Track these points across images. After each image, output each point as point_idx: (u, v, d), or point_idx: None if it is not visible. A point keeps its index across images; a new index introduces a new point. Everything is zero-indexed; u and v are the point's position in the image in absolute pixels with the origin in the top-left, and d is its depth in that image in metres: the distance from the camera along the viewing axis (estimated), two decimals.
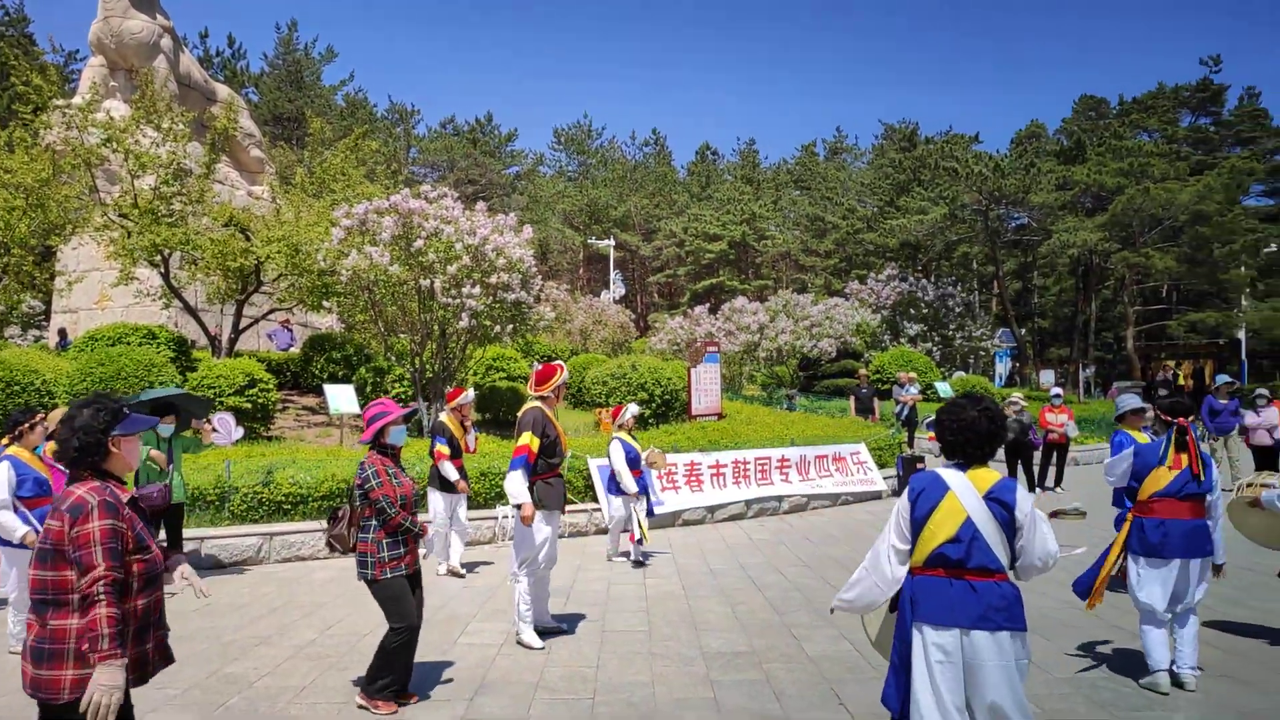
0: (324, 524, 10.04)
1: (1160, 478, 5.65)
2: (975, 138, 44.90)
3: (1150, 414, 8.08)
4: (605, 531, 11.44)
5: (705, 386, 18.08)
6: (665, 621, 7.10)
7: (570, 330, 33.53)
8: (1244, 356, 39.20)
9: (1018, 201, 33.84)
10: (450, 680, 5.63)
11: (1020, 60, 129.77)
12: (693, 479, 13.22)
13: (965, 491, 3.58)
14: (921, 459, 15.67)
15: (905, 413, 18.61)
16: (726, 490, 13.38)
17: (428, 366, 15.77)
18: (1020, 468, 14.97)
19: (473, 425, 9.72)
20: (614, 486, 9.78)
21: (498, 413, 17.60)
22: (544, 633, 6.58)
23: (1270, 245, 38.81)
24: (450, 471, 8.89)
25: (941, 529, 3.56)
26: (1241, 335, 38.36)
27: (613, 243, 48.66)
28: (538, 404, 6.55)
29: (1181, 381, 35.79)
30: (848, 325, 29.71)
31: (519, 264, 15.13)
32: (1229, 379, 16.21)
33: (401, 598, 5.18)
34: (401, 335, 15.99)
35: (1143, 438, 8.11)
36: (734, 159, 70.00)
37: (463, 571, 9.11)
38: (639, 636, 6.64)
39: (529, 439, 6.32)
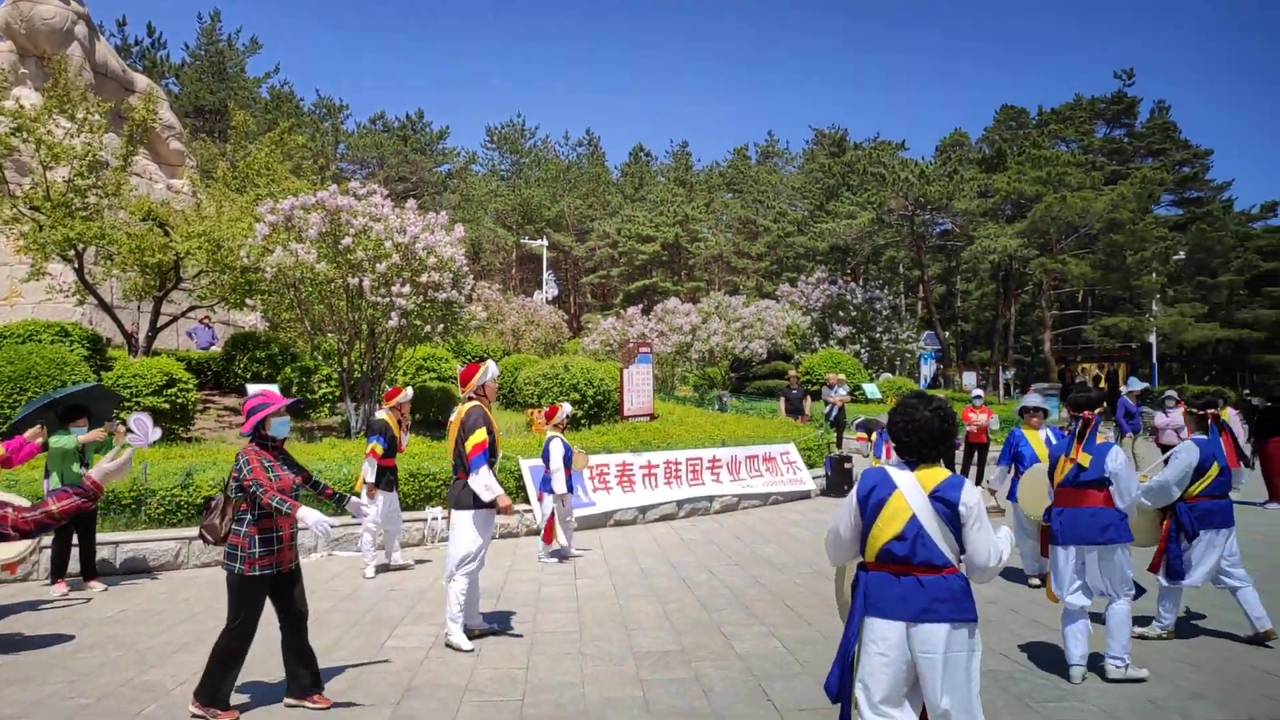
0: None
1: (1062, 468, 5.89)
2: (902, 144, 45.81)
3: (1046, 414, 8.47)
4: (537, 533, 11.42)
5: (637, 387, 18.13)
6: (596, 621, 7.10)
7: (503, 330, 33.27)
8: (1154, 360, 40.88)
9: (942, 208, 34.65)
10: (377, 684, 5.53)
11: (945, 69, 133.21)
12: (624, 479, 13.25)
13: (912, 490, 3.68)
14: (849, 459, 15.96)
15: (834, 414, 18.91)
16: (658, 490, 13.44)
17: (356, 366, 15.48)
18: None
19: (408, 425, 9.79)
20: (548, 485, 9.82)
21: (428, 413, 17.36)
22: (475, 634, 6.54)
23: (1179, 253, 40.53)
24: (369, 472, 8.93)
25: (889, 527, 3.67)
26: (1152, 339, 39.99)
27: (546, 243, 48.46)
28: (476, 403, 6.58)
29: (1100, 385, 37.14)
30: (778, 327, 30.08)
31: (450, 263, 14.96)
32: (1141, 383, 16.97)
33: (258, 601, 5.07)
34: (329, 334, 15.67)
35: (1036, 435, 8.49)
36: (667, 161, 70.34)
37: (410, 563, 9.42)
38: (569, 637, 6.62)
39: (483, 435, 6.33)
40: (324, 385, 16.49)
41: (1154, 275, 38.14)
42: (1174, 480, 6.28)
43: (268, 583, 5.08)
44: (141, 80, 24.39)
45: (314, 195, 14.80)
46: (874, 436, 15.42)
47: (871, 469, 3.96)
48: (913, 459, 3.82)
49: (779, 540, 11.11)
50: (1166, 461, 6.63)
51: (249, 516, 5.02)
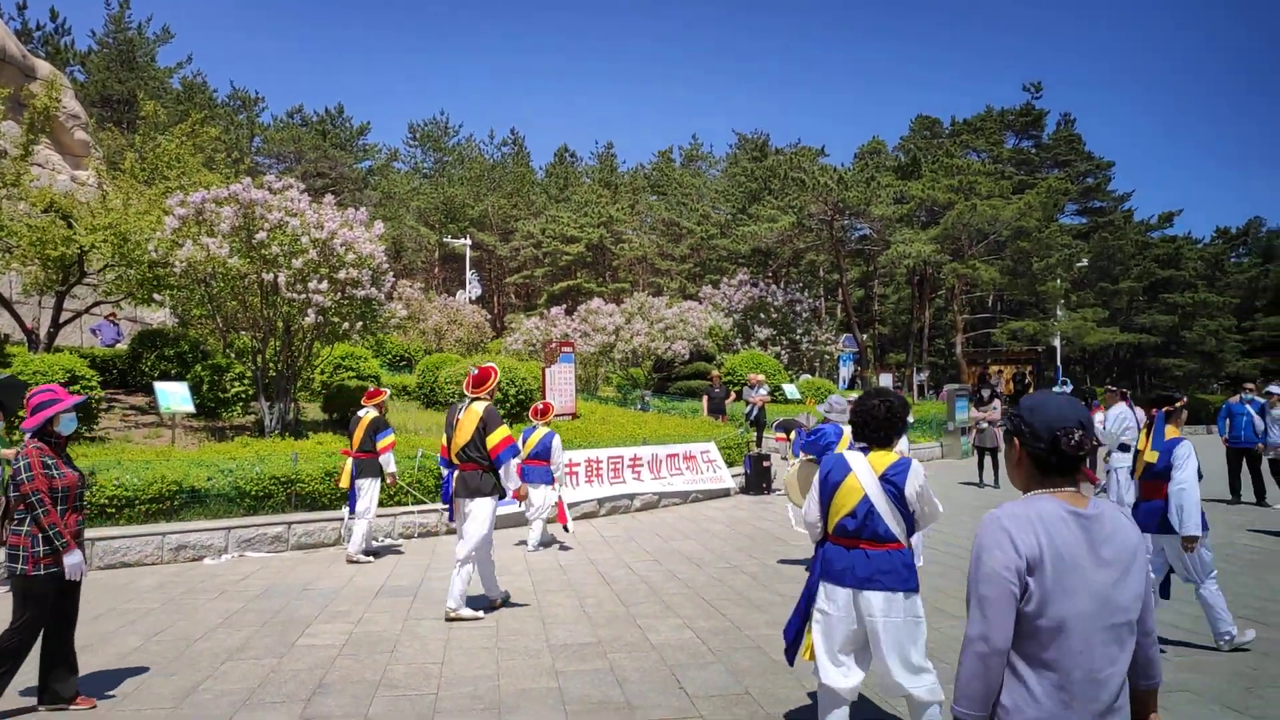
0: (155, 528, 9.54)
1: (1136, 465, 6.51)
2: (822, 150, 46.81)
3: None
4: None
5: (560, 386, 18.16)
6: (513, 616, 7.13)
7: (424, 329, 32.88)
8: (1059, 362, 42.57)
9: (860, 213, 35.50)
10: (287, 682, 5.47)
11: (866, 78, 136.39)
12: None
13: (864, 472, 4.15)
14: (768, 458, 16.26)
15: (754, 413, 19.23)
16: (579, 489, 13.48)
17: (271, 365, 15.15)
18: None
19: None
20: (539, 476, 10.29)
21: (345, 412, 17.09)
22: (498, 605, 7.43)
23: (1082, 260, 42.30)
24: (390, 462, 9.92)
25: (844, 504, 4.15)
26: (1057, 342, 41.63)
27: (469, 242, 48.01)
28: (487, 401, 7.23)
29: (1004, 387, 38.53)
30: (701, 328, 30.42)
31: (369, 260, 14.77)
32: (1068, 383, 17.90)
33: (44, 600, 4.93)
34: (243, 332, 15.30)
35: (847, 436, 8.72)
36: (592, 162, 70.38)
37: (367, 559, 9.63)
38: (486, 632, 6.64)
39: (507, 430, 7.08)
40: (237, 384, 16.08)
41: (1058, 281, 39.75)
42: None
43: (53, 582, 4.92)
44: (44, 66, 23.43)
45: (227, 188, 14.44)
46: (793, 436, 15.71)
47: (833, 454, 4.36)
48: (865, 443, 4.30)
49: (697, 536, 11.28)
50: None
51: (30, 516, 4.88)
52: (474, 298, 48.32)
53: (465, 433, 7.12)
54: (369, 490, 9.89)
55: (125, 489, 9.73)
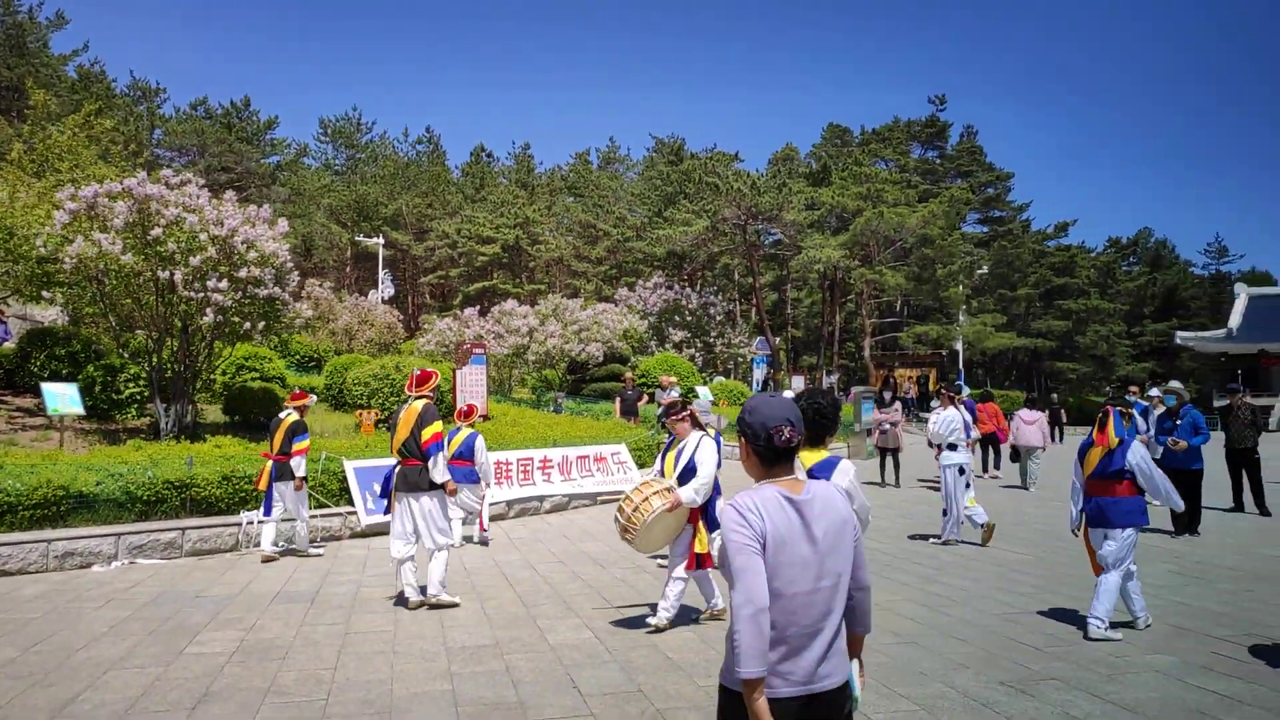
0: (39, 534, 9.15)
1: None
2: (736, 156, 47.55)
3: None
4: (360, 534, 11.26)
5: (471, 388, 18.04)
6: (412, 620, 7.09)
7: (334, 330, 32.18)
8: (961, 365, 44.11)
9: (772, 218, 36.16)
10: (171, 690, 5.34)
11: (781, 85, 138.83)
12: None
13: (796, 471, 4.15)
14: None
15: (664, 415, 19.40)
16: (488, 491, 13.40)
17: (169, 365, 14.67)
18: None
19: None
20: (472, 477, 10.63)
21: (248, 415, 16.65)
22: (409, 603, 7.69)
23: (982, 268, 43.94)
24: (301, 466, 9.95)
25: None
26: (960, 346, 43.14)
27: (382, 241, 47.17)
28: (428, 400, 7.74)
29: (913, 391, 39.72)
30: (615, 330, 30.53)
31: (272, 258, 14.44)
32: (965, 387, 18.57)
33: None
34: (138, 331, 14.77)
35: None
36: (509, 163, 69.90)
37: (276, 555, 9.85)
38: (383, 636, 6.59)
39: (440, 426, 7.54)
40: (132, 385, 15.54)
41: (960, 287, 41.23)
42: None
43: None
44: None
45: (121, 183, 13.94)
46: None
47: None
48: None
49: (605, 537, 11.36)
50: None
51: None
52: (387, 298, 47.47)
53: (405, 429, 7.52)
54: (286, 493, 9.92)
55: (7, 494, 9.30)
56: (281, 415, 10.28)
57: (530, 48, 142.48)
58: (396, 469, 7.57)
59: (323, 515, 11.14)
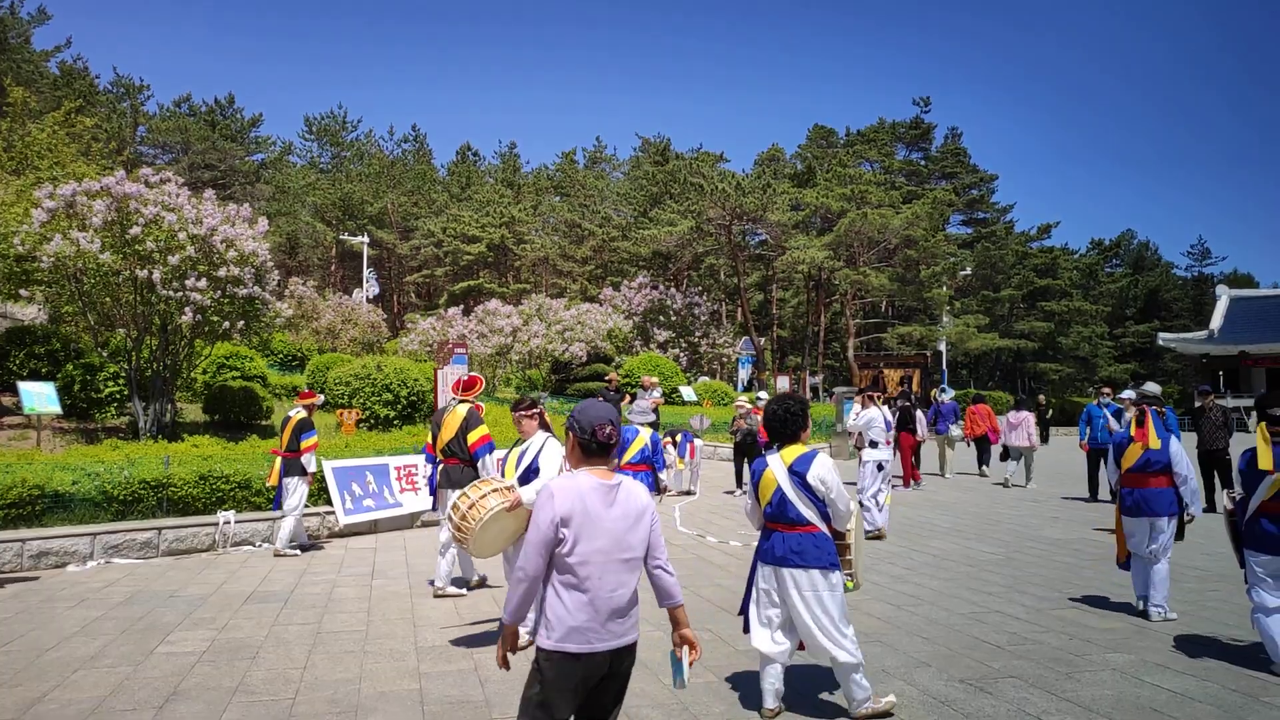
0: (14, 534, 9.13)
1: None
2: (721, 156, 47.63)
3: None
4: (338, 534, 11.29)
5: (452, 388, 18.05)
6: (384, 620, 7.13)
7: (317, 329, 32.13)
8: (944, 366, 44.36)
9: (757, 219, 36.28)
10: (140, 689, 5.37)
11: (768, 86, 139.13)
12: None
13: (777, 467, 4.87)
14: None
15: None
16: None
17: (148, 365, 14.64)
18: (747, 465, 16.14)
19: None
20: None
21: (228, 414, 16.64)
22: (473, 585, 8.33)
23: (965, 269, 44.19)
24: (311, 462, 10.21)
25: (764, 495, 4.91)
26: (943, 347, 43.39)
27: (367, 240, 47.06)
28: (470, 403, 8.14)
29: (891, 390, 39.89)
30: (599, 330, 30.59)
31: (252, 257, 14.45)
32: (949, 389, 18.78)
33: None
34: (118, 330, 14.75)
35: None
36: (495, 162, 69.89)
37: (293, 553, 10.14)
38: (354, 636, 6.63)
39: (485, 430, 7.96)
40: (111, 384, 15.51)
41: (944, 288, 41.45)
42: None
43: None
44: None
45: (100, 181, 13.92)
46: (678, 439, 16.06)
47: (762, 456, 5.09)
48: (774, 441, 5.03)
49: None
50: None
51: None
52: (371, 297, 47.35)
53: (449, 430, 8.00)
54: (296, 489, 10.17)
55: None
56: (290, 413, 10.50)
57: (517, 47, 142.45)
58: (439, 467, 8.10)
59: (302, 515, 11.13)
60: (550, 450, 6.23)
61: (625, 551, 3.27)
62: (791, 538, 4.77)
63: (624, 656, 3.32)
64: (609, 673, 3.28)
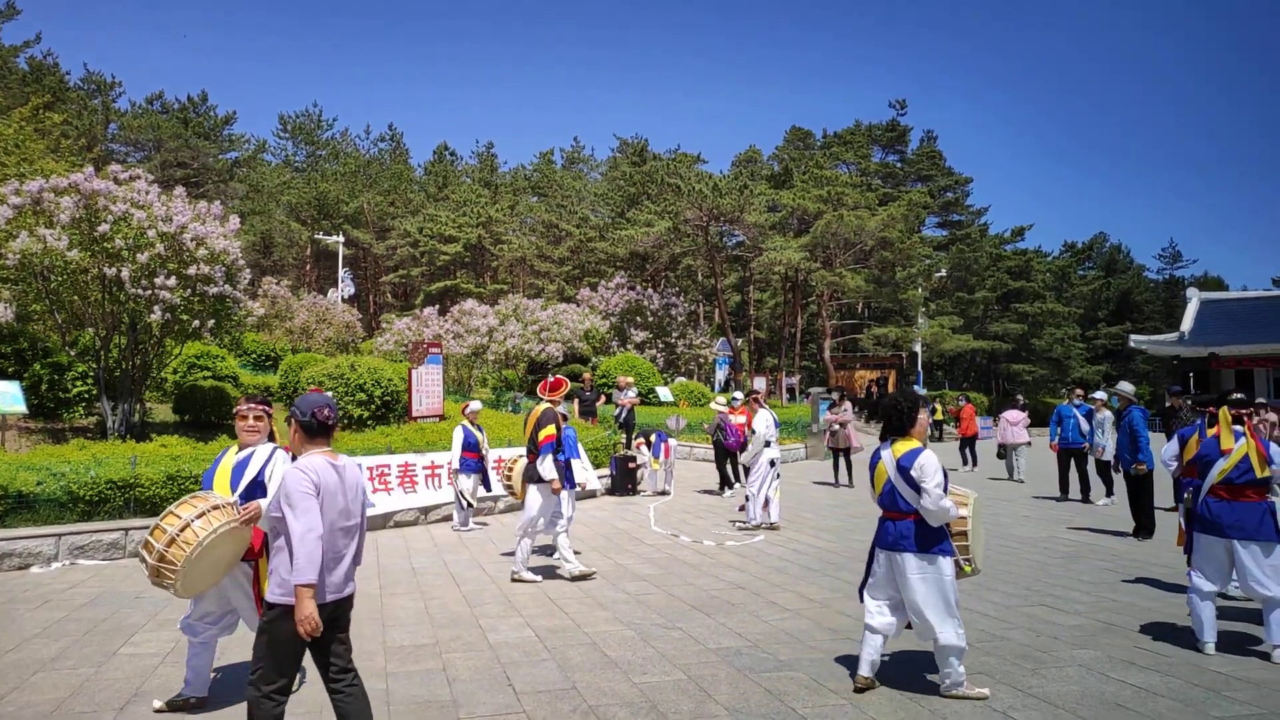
0: None
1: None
2: (699, 157, 47.62)
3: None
4: None
5: (427, 388, 17.93)
6: (353, 620, 7.04)
7: (291, 328, 31.85)
8: (919, 367, 44.64)
9: (734, 220, 36.30)
10: (101, 691, 5.29)
11: (746, 88, 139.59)
12: (406, 480, 13.11)
13: (888, 460, 5.30)
14: (634, 459, 16.48)
15: (623, 415, 19.47)
16: (441, 491, 13.38)
17: (116, 364, 14.44)
18: (729, 465, 16.03)
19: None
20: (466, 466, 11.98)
21: (199, 414, 16.47)
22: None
23: (940, 271, 44.49)
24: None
25: (877, 486, 5.39)
26: (918, 348, 43.65)
27: (342, 239, 46.70)
28: (549, 404, 8.70)
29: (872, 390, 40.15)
30: (576, 331, 30.52)
31: (223, 255, 14.29)
32: (923, 389, 18.85)
33: None
34: (86, 329, 14.54)
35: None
36: (472, 161, 69.55)
37: None
38: None
39: (553, 430, 8.43)
40: (80, 383, 15.29)
41: (919, 290, 41.71)
42: None
43: None
44: None
45: (68, 178, 13.73)
46: (653, 439, 16.09)
47: (875, 448, 5.52)
48: (887, 435, 5.41)
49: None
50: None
51: None
52: (347, 296, 47.02)
53: (528, 428, 8.68)
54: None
55: None
56: None
57: (495, 46, 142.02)
58: (523, 462, 8.87)
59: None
60: (279, 461, 5.07)
61: (349, 519, 3.94)
62: (901, 524, 5.20)
63: (346, 606, 4.03)
64: (335, 618, 3.92)
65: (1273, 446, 6.29)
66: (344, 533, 3.90)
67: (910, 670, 5.75)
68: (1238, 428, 6.32)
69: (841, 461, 17.11)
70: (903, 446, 5.25)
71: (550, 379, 9.00)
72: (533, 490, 8.60)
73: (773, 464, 11.94)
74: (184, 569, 4.52)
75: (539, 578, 8.58)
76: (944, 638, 5.06)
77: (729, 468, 15.92)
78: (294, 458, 3.99)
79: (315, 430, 3.90)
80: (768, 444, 12.05)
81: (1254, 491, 6.11)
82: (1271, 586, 5.92)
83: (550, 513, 8.71)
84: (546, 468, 8.41)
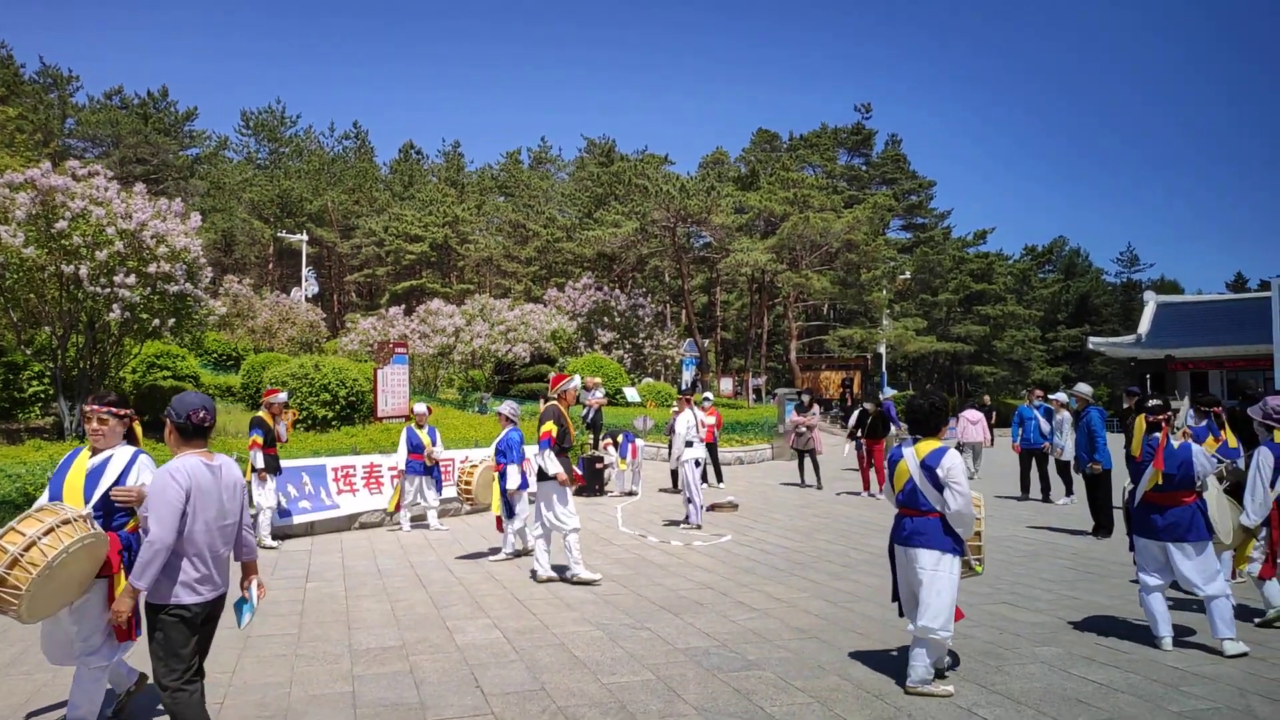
0: None
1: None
2: (666, 158, 47.70)
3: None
4: (274, 537, 11.06)
5: (393, 388, 17.80)
6: (318, 623, 6.99)
7: (253, 327, 31.45)
8: (884, 368, 45.09)
9: (701, 221, 36.45)
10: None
11: (713, 89, 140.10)
12: (372, 481, 13.00)
13: (910, 459, 5.43)
14: (602, 459, 16.48)
15: (590, 415, 19.44)
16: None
17: (74, 363, 14.16)
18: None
19: (283, 419, 11.38)
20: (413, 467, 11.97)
21: (159, 414, 16.17)
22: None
23: (905, 273, 44.96)
24: (258, 459, 10.45)
25: (898, 483, 5.50)
26: (883, 349, 44.09)
27: (306, 238, 46.19)
28: (554, 401, 8.81)
29: (834, 392, 40.47)
30: (543, 331, 30.45)
31: (184, 253, 14.08)
32: (889, 389, 19.08)
33: None
34: (43, 327, 14.25)
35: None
36: (439, 160, 69.10)
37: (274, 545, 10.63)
38: (286, 639, 6.50)
39: (550, 426, 8.52)
40: (36, 383, 15.00)
41: (884, 292, 42.12)
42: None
43: None
44: None
45: (24, 173, 13.44)
46: (619, 439, 16.11)
47: (896, 445, 5.70)
48: (914, 434, 5.54)
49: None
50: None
51: None
52: (310, 296, 46.48)
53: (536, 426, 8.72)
54: (262, 485, 10.55)
55: None
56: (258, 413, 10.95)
57: (461, 44, 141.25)
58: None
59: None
60: (144, 467, 4.56)
61: (227, 518, 4.01)
62: (919, 521, 5.35)
63: (222, 602, 4.10)
64: (211, 615, 4.02)
65: (1195, 448, 6.37)
66: (221, 532, 3.98)
67: (878, 669, 5.81)
68: (1155, 434, 6.42)
69: (808, 463, 17.19)
70: (926, 446, 5.39)
71: (551, 376, 9.23)
72: (541, 488, 8.67)
73: (698, 463, 12.17)
74: (30, 592, 3.95)
75: (598, 575, 8.57)
76: (938, 632, 5.23)
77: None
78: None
79: (190, 432, 3.95)
80: (689, 444, 12.19)
81: (1184, 494, 6.26)
82: (1204, 585, 6.10)
83: (561, 505, 8.69)
84: (548, 463, 8.48)
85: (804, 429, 17.10)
